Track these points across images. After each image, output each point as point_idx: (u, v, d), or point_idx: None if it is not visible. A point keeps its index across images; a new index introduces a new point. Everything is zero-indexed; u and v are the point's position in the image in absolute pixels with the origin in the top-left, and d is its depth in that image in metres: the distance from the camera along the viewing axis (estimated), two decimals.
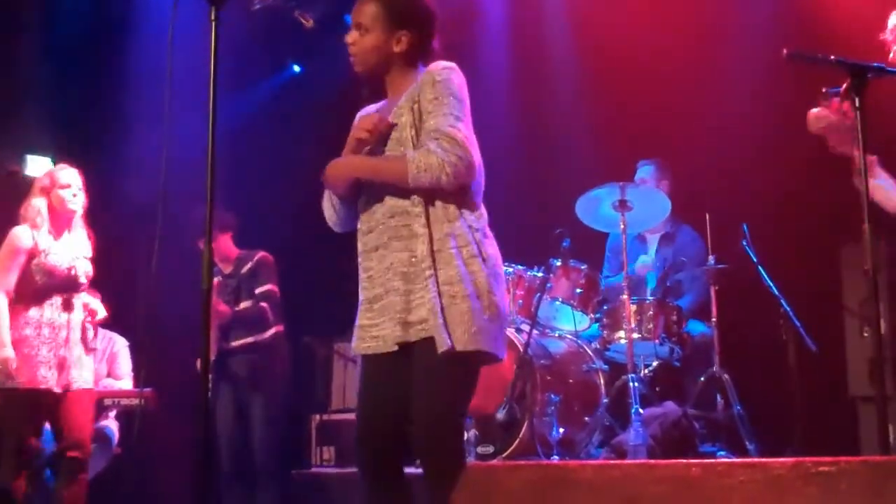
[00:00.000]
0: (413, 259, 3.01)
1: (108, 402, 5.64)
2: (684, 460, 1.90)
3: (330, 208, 3.28)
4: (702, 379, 5.59)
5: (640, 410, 5.16)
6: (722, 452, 5.33)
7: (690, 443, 5.31)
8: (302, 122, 7.51)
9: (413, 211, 3.03)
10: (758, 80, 5.94)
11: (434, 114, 3.04)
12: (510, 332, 5.56)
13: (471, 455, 5.33)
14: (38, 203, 5.03)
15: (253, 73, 7.68)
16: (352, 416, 6.76)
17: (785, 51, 2.97)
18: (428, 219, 3.01)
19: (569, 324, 5.85)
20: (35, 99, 7.00)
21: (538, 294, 5.58)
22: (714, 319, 5.68)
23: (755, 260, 5.76)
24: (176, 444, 6.13)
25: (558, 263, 5.73)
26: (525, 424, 5.28)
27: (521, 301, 5.75)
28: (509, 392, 5.26)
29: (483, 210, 3.15)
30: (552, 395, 5.40)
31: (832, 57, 3.16)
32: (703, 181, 6.18)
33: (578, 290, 5.73)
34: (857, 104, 2.80)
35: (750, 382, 5.74)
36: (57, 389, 4.90)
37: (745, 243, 5.77)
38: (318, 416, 6.92)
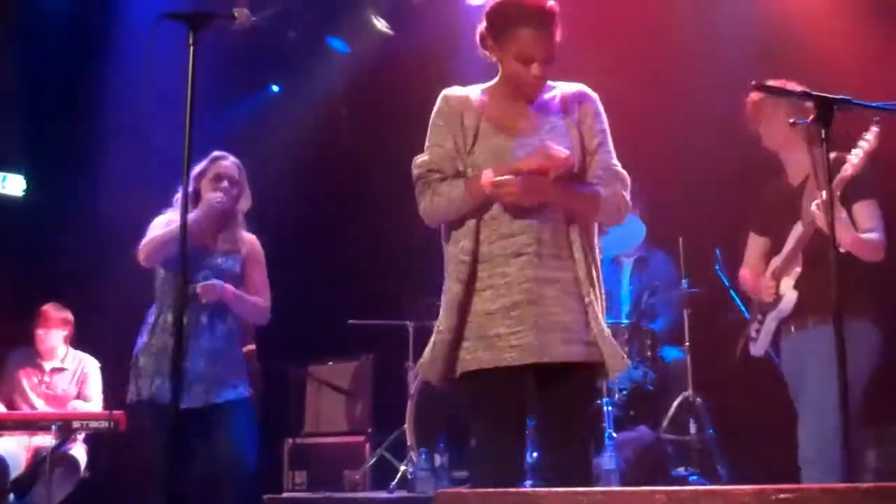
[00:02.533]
0: (576, 279, 2.95)
1: (76, 424, 5.50)
2: (650, 488, 1.90)
3: (452, 208, 3.04)
4: (675, 403, 5.61)
5: (614, 434, 5.17)
6: (694, 477, 5.35)
7: (663, 467, 5.33)
8: (280, 143, 7.53)
9: (572, 232, 2.98)
10: (731, 108, 5.99)
11: (604, 147, 3.06)
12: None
13: (444, 479, 5.33)
14: None
15: (231, 93, 7.68)
16: (324, 439, 6.76)
17: (753, 82, 3.02)
18: (590, 244, 3.02)
19: None
20: (9, 118, 6.97)
21: None
22: (687, 343, 5.71)
23: (727, 284, 5.80)
24: (145, 468, 6.07)
25: None
26: None
27: None
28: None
29: None
30: (528, 420, 5.39)
31: (799, 89, 3.22)
32: (677, 206, 6.21)
33: None
34: (823, 135, 2.83)
35: (723, 406, 5.77)
36: None
37: (717, 268, 5.81)
38: (290, 440, 6.89)
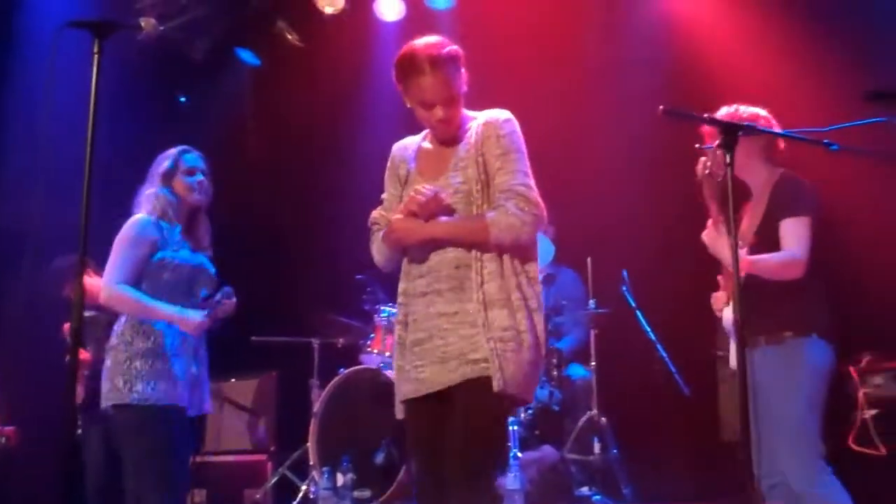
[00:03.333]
0: (474, 307, 3.07)
1: None
2: None
3: (382, 255, 3.30)
4: (580, 422, 5.64)
5: (519, 454, 5.17)
6: (598, 497, 5.38)
7: (567, 487, 5.35)
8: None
9: (475, 264, 3.10)
10: (639, 132, 6.08)
11: (504, 170, 3.14)
12: (390, 373, 5.53)
13: (346, 499, 5.27)
14: None
15: (137, 103, 7.52)
16: (225, 457, 6.63)
17: (661, 107, 3.06)
18: (501, 269, 3.10)
19: None
20: None
21: None
22: (593, 363, 5.75)
23: (633, 305, 5.88)
24: (40, 487, 5.88)
25: None
26: (403, 468, 5.24)
27: None
28: (388, 435, 5.22)
29: (539, 265, 3.25)
30: None
31: (705, 115, 3.27)
32: (586, 226, 6.28)
33: None
34: (727, 161, 2.87)
35: (627, 426, 5.83)
36: None
37: (624, 288, 5.88)
38: (190, 458, 6.72)
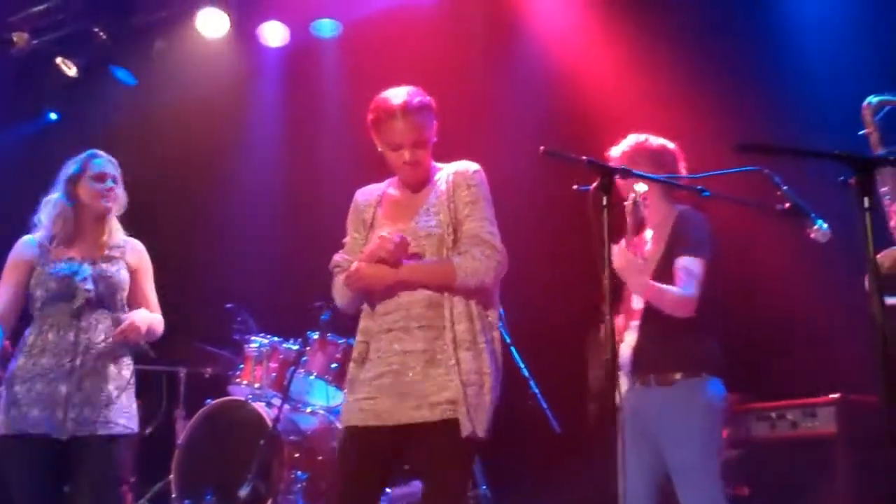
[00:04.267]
0: (444, 347, 3.19)
1: None
2: None
3: (345, 298, 3.40)
4: None
5: (388, 490, 5.10)
6: None
7: None
8: (54, 172, 7.13)
9: (446, 304, 3.23)
10: (520, 169, 6.13)
11: (472, 217, 3.33)
12: (259, 406, 5.43)
13: None
14: None
15: (5, 118, 7.24)
16: None
17: (542, 148, 3.10)
18: (468, 311, 3.24)
19: (322, 399, 5.75)
20: None
21: (292, 368, 5.46)
22: None
23: (508, 341, 5.88)
24: None
25: (315, 337, 5.64)
26: (269, 502, 5.11)
27: (274, 374, 5.63)
28: (253, 468, 5.09)
29: (499, 310, 3.42)
30: (299, 473, 5.27)
31: (584, 157, 3.31)
32: None
33: (335, 365, 5.65)
34: (604, 203, 2.90)
35: (499, 463, 5.81)
36: None
37: (500, 324, 5.86)
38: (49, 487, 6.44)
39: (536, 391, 5.77)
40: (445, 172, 3.45)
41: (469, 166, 3.46)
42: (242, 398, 5.57)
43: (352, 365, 3.33)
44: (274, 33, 7.20)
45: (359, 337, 3.35)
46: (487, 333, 3.27)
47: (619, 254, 3.69)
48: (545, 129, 6.13)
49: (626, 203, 3.58)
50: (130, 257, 4.06)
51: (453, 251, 3.29)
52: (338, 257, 3.44)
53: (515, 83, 6.63)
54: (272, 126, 7.46)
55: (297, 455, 5.36)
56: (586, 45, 6.30)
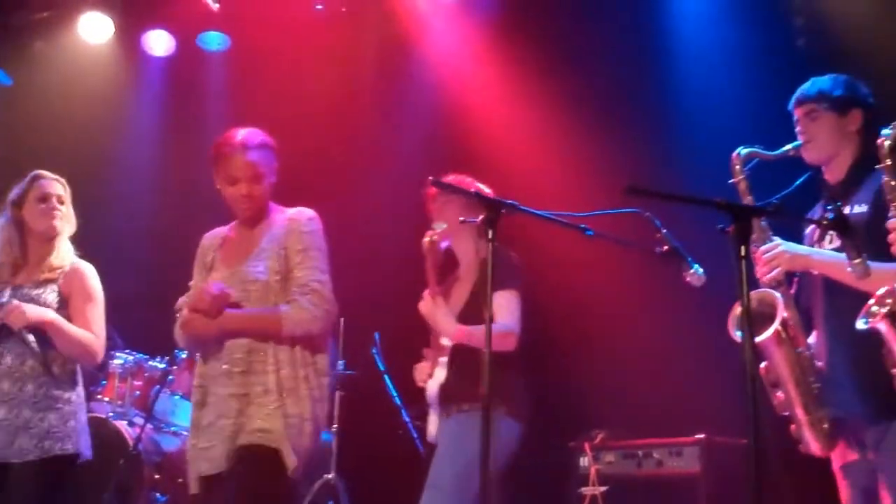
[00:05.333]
0: (265, 391, 3.24)
1: None
2: None
3: (182, 341, 3.48)
4: (316, 486, 5.53)
5: None
6: None
7: None
8: None
9: (270, 350, 3.28)
10: (404, 196, 6.13)
11: (302, 266, 3.36)
12: (121, 424, 5.26)
13: None
14: None
15: None
16: None
17: (431, 178, 3.10)
18: (292, 357, 3.29)
19: (187, 420, 5.58)
20: None
21: (157, 386, 5.32)
22: (336, 426, 5.66)
23: (382, 368, 5.85)
24: None
25: (184, 356, 5.50)
26: None
27: (138, 392, 5.48)
28: (111, 489, 4.92)
29: (331, 356, 3.52)
30: (159, 496, 5.12)
31: (472, 190, 3.32)
32: (342, 287, 6.21)
33: None
34: (490, 236, 2.90)
35: (367, 490, 5.75)
36: None
37: (375, 351, 5.84)
38: None
39: (408, 420, 5.75)
40: (283, 216, 3.48)
41: (304, 213, 3.49)
42: (103, 415, 5.38)
43: (194, 409, 3.39)
44: (159, 42, 7.06)
45: (196, 381, 3.41)
46: (313, 380, 3.34)
47: (424, 300, 3.77)
48: (433, 153, 6.15)
49: (423, 242, 3.70)
50: (66, 281, 3.92)
51: (279, 299, 3.32)
52: (181, 300, 3.47)
53: (405, 106, 6.64)
54: (150, 136, 7.28)
55: (157, 476, 5.23)
56: (478, 74, 6.36)
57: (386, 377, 5.85)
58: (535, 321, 4.67)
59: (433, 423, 3.93)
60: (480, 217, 2.99)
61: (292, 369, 3.29)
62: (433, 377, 3.90)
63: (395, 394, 5.82)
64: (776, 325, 3.05)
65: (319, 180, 6.48)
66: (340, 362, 5.78)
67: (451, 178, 3.91)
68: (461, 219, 3.70)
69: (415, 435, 5.74)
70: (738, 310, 2.99)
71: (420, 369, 4.00)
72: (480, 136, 6.07)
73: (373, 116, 6.65)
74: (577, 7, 6.09)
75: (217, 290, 3.26)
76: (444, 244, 3.94)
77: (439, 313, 3.80)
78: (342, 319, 5.82)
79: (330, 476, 5.55)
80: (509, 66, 6.15)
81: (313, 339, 3.36)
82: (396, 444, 5.81)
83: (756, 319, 3.04)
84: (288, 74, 6.62)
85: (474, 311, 3.75)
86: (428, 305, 3.84)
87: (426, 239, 3.81)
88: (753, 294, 3.08)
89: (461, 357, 3.77)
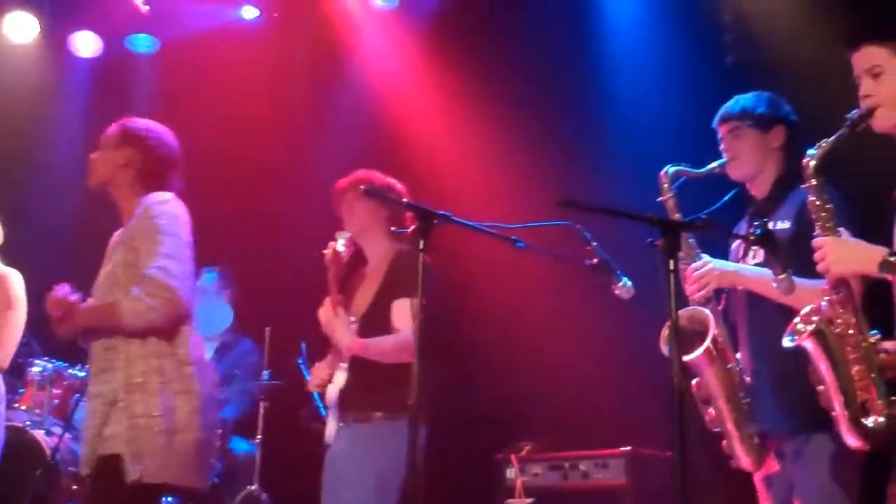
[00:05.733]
0: (113, 390, 3.19)
1: None
2: None
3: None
4: (239, 497, 5.46)
5: None
6: None
7: None
8: None
9: (121, 346, 3.22)
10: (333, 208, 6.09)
11: (147, 253, 3.24)
12: (38, 433, 5.13)
13: None
14: None
15: None
16: None
17: (363, 187, 3.07)
18: (144, 351, 3.21)
19: None
20: None
21: (77, 395, 5.20)
22: (259, 437, 5.59)
23: (308, 379, 5.77)
24: None
25: None
26: None
27: (57, 401, 5.35)
28: (27, 500, 4.81)
29: (194, 342, 3.32)
30: None
31: (404, 200, 3.31)
32: (268, 294, 6.14)
33: None
34: (421, 246, 2.88)
35: (292, 502, 5.68)
36: None
37: (301, 361, 5.77)
38: None
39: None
40: (140, 206, 3.40)
41: (153, 198, 3.37)
42: (20, 424, 5.24)
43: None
44: (86, 43, 6.94)
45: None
46: (171, 372, 3.23)
47: (323, 309, 3.75)
48: (365, 161, 6.10)
49: (325, 254, 3.68)
50: None
51: (125, 290, 3.26)
52: None
53: (337, 113, 6.59)
54: (75, 138, 7.13)
55: (75, 487, 5.09)
56: (411, 82, 6.35)
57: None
58: (463, 333, 4.68)
59: (331, 426, 3.90)
60: (412, 227, 2.97)
61: (143, 363, 3.21)
62: (333, 381, 3.87)
63: (320, 404, 5.75)
64: (707, 343, 3.09)
65: (248, 186, 6.41)
66: (265, 372, 5.70)
67: (379, 181, 3.90)
68: (392, 228, 3.68)
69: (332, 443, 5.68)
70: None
71: (318, 369, 3.97)
72: (413, 145, 6.05)
73: (304, 123, 6.60)
74: (512, 19, 6.11)
75: (59, 294, 3.25)
76: (347, 253, 3.87)
77: (338, 324, 3.75)
78: (268, 329, 5.76)
79: (253, 487, 5.47)
80: (443, 76, 6.15)
81: (170, 329, 3.26)
82: (321, 456, 5.74)
83: (687, 337, 3.08)
84: (218, 78, 6.54)
85: (378, 315, 3.76)
86: (327, 314, 3.79)
87: (327, 251, 3.76)
88: (684, 312, 3.13)
89: (359, 363, 3.74)
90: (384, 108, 6.37)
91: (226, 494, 5.61)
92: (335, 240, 3.80)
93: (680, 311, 3.15)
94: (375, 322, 3.75)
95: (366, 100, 6.47)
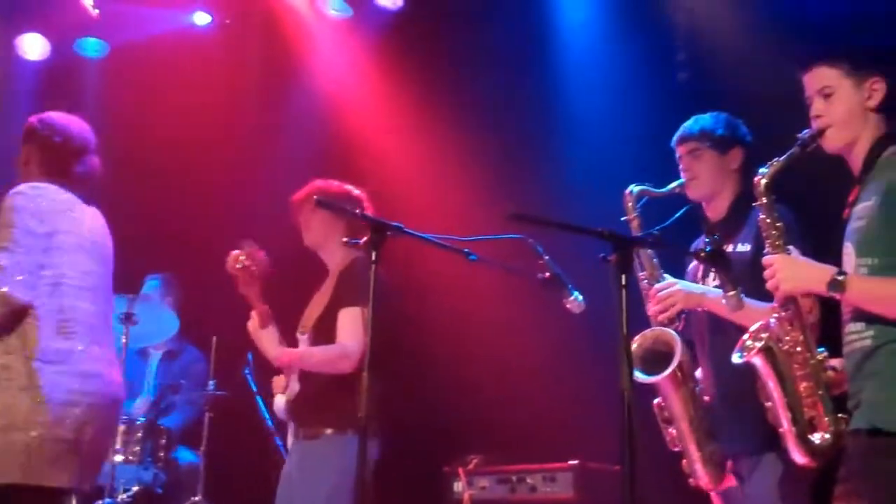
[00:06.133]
0: None
1: None
2: None
3: None
4: None
5: None
6: None
7: None
8: None
9: None
10: (285, 217, 6.04)
11: None
12: None
13: None
14: None
15: None
16: None
17: (315, 198, 3.04)
18: (6, 347, 3.16)
19: None
20: None
21: None
22: (203, 447, 5.52)
23: (255, 390, 5.71)
24: None
25: None
26: None
27: None
28: None
29: (46, 336, 3.20)
30: None
31: (357, 211, 3.28)
32: (215, 304, 6.07)
33: None
34: (373, 258, 2.86)
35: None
36: None
37: (247, 372, 5.70)
38: None
39: (280, 445, 5.62)
40: None
41: (17, 188, 3.39)
42: None
43: None
44: (33, 46, 6.83)
45: None
46: (17, 368, 3.16)
47: (250, 322, 3.73)
48: (317, 171, 6.06)
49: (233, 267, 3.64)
50: None
51: None
52: None
53: (289, 122, 6.54)
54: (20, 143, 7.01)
55: None
56: (364, 92, 6.32)
57: (258, 398, 5.71)
58: (413, 344, 4.65)
59: (290, 441, 3.88)
60: (364, 239, 2.95)
61: (4, 359, 3.17)
62: (287, 391, 3.85)
63: (266, 416, 5.69)
64: (673, 365, 3.09)
65: (197, 193, 6.33)
66: (211, 382, 5.63)
67: (336, 190, 3.87)
68: (344, 240, 3.64)
69: (287, 458, 5.62)
70: (634, 346, 3.03)
71: (276, 382, 3.94)
72: (367, 155, 6.02)
73: (255, 131, 6.54)
74: (466, 31, 6.11)
75: None
76: (261, 264, 3.82)
77: (264, 336, 3.73)
78: (214, 338, 5.68)
79: (197, 499, 5.39)
80: (397, 85, 6.13)
81: (6, 325, 3.19)
82: (267, 467, 5.68)
83: (651, 357, 3.10)
84: (169, 84, 6.46)
85: (326, 326, 3.73)
86: (254, 326, 3.75)
87: (228, 258, 3.71)
88: (650, 332, 3.15)
89: (307, 374, 3.73)
90: (338, 117, 6.33)
91: (168, 503, 5.53)
92: (242, 250, 3.77)
93: (646, 332, 3.18)
94: (324, 332, 3.73)
95: (319, 109, 6.43)
